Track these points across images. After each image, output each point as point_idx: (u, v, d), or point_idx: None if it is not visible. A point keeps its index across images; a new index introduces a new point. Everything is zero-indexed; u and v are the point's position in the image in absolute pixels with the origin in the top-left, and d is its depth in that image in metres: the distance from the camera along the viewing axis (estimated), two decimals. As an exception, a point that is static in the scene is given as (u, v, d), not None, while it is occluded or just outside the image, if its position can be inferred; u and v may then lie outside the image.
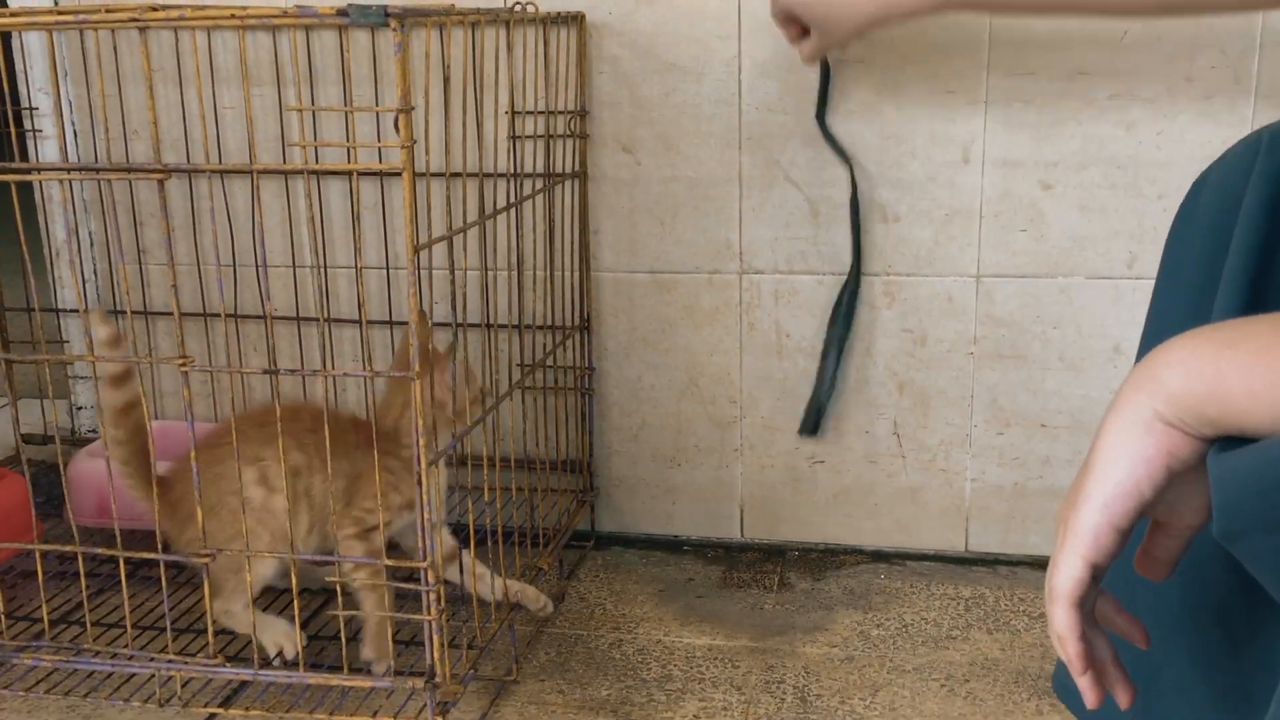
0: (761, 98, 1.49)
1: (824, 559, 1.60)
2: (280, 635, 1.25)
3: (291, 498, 1.19)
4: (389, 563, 1.13)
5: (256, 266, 1.62)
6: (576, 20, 1.48)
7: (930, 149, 1.46)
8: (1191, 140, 1.40)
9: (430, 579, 1.07)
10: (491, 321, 1.54)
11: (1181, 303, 0.75)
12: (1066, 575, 0.59)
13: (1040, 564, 1.56)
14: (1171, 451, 0.56)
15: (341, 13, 0.96)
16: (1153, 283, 0.79)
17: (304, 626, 1.25)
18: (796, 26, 1.30)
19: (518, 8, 1.34)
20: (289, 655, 1.24)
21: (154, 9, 1.00)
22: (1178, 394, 0.54)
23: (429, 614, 1.08)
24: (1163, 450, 0.56)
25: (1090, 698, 0.62)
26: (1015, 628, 1.41)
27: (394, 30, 0.96)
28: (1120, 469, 0.56)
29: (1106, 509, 0.57)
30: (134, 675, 1.23)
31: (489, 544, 1.33)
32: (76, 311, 1.75)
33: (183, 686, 1.18)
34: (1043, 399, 1.51)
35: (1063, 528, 0.59)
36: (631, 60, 1.51)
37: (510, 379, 1.47)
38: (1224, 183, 0.74)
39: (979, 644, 1.38)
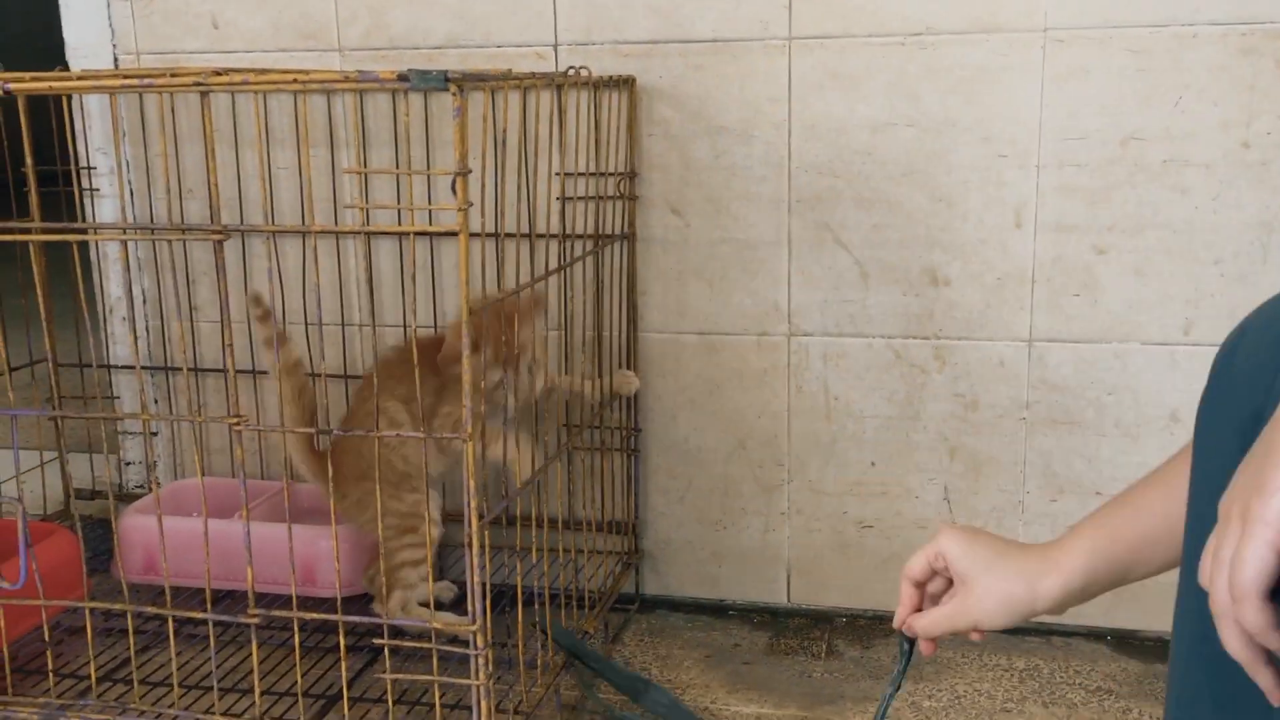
0: (811, 160, 1.49)
1: (872, 626, 1.58)
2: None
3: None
4: (438, 625, 1.12)
5: (306, 325, 1.63)
6: (628, 84, 1.50)
7: (982, 212, 1.46)
8: (1249, 206, 1.39)
9: (479, 643, 1.06)
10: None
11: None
12: (1256, 568, 0.54)
13: (1097, 635, 1.53)
14: None
15: (402, 78, 0.97)
16: (1211, 351, 0.76)
17: (349, 686, 1.24)
18: (919, 594, 0.97)
19: (570, 72, 1.35)
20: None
21: (217, 74, 1.02)
22: None
23: (477, 678, 1.07)
24: None
25: None
26: (1071, 701, 1.38)
27: (453, 94, 0.97)
28: None
29: None
30: (179, 735, 1.23)
31: (535, 605, 1.32)
32: (129, 368, 1.76)
33: (227, 748, 1.17)
34: (1098, 466, 1.49)
35: (1237, 519, 0.55)
36: (681, 123, 1.51)
37: (558, 439, 1.46)
38: (1268, 336, 0.69)
39: (1034, 718, 1.35)
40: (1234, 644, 0.57)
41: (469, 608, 1.06)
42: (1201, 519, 0.74)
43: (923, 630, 0.94)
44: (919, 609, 0.95)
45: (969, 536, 0.91)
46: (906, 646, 0.96)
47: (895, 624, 0.97)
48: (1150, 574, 0.86)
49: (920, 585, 0.95)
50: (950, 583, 0.93)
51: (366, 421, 1.32)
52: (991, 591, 0.89)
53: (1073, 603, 0.87)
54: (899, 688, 0.97)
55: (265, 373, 1.68)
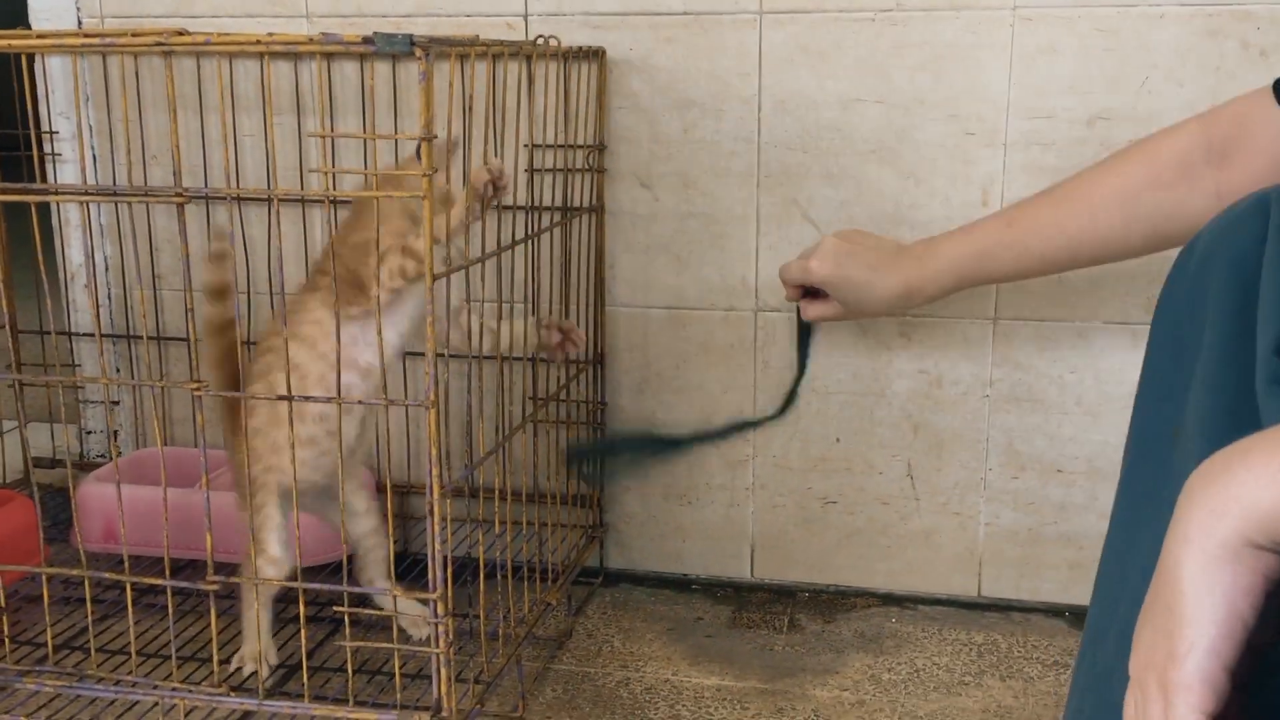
0: (781, 136, 1.49)
1: (834, 601, 1.59)
2: (249, 654, 1.26)
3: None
4: (399, 593, 1.12)
5: (271, 293, 1.62)
6: (598, 55, 1.49)
7: (949, 190, 1.46)
8: (1211, 187, 1.40)
9: (439, 610, 1.06)
10: (506, 354, 1.53)
11: (1198, 378, 0.73)
12: None
13: (1054, 611, 1.54)
14: (1267, 575, 0.52)
15: (367, 40, 0.96)
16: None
17: (309, 656, 1.23)
18: (798, 289, 1.33)
19: (540, 41, 1.34)
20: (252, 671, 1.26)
21: (180, 34, 1.00)
22: (1272, 515, 0.50)
23: (437, 646, 1.07)
24: (1259, 576, 0.52)
25: None
26: (1029, 675, 1.39)
27: (419, 59, 0.96)
28: (1219, 608, 0.52)
29: (1216, 654, 0.52)
30: (137, 703, 1.22)
31: (498, 577, 1.31)
32: (90, 335, 1.74)
33: (186, 715, 1.16)
34: (1059, 444, 1.50)
35: (1156, 689, 0.54)
36: (651, 96, 1.51)
37: (523, 412, 1.46)
38: (1226, 246, 0.71)
39: (992, 691, 1.36)
40: None
41: (430, 576, 1.06)
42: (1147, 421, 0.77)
43: (812, 317, 1.30)
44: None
45: (840, 263, 1.25)
46: (803, 327, 1.32)
47: (789, 299, 1.30)
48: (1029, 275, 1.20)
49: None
50: None
51: (255, 374, 1.24)
52: (873, 301, 1.25)
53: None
54: (805, 368, 1.32)
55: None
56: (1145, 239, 1.14)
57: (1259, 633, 0.54)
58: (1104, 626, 0.71)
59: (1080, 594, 1.53)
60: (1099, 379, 1.47)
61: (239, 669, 1.26)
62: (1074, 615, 1.53)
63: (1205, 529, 0.52)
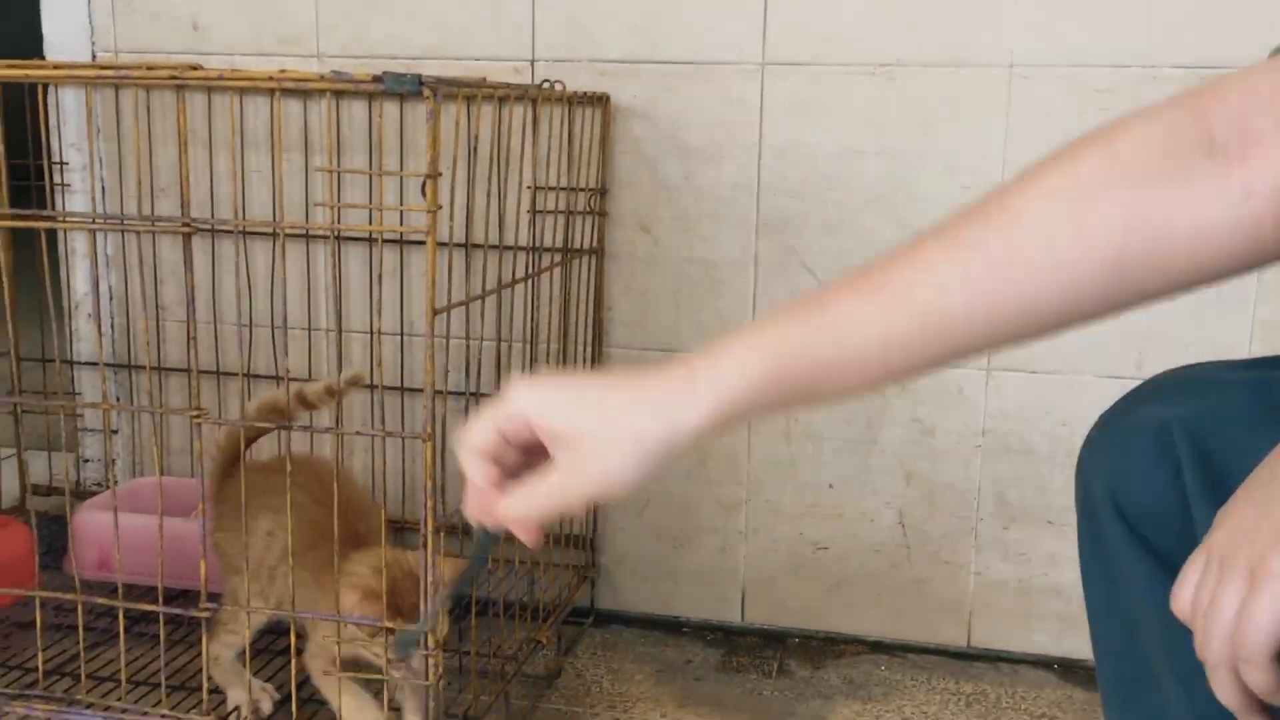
0: (780, 184, 1.51)
1: (824, 647, 1.59)
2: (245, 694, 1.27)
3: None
4: (388, 624, 1.12)
5: (273, 327, 1.64)
6: (601, 101, 1.52)
7: (944, 242, 1.48)
8: (1203, 245, 1.42)
9: (430, 643, 1.07)
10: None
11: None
12: (1269, 630, 0.49)
13: (1044, 663, 1.54)
14: None
15: (377, 79, 0.99)
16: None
17: (299, 688, 1.24)
18: (497, 472, 0.66)
19: (545, 86, 1.37)
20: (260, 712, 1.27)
21: (193, 68, 1.03)
22: None
23: (427, 679, 1.07)
24: None
25: None
26: (1016, 726, 1.39)
27: (427, 99, 0.99)
28: None
29: None
30: (124, 730, 1.22)
31: (489, 614, 1.32)
32: (92, 364, 1.76)
33: (172, 744, 1.16)
34: (1050, 495, 1.51)
35: (1244, 569, 0.51)
36: (654, 142, 1.53)
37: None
38: (1131, 493, 0.70)
39: (979, 740, 1.36)
40: (1229, 696, 0.53)
41: (422, 609, 1.07)
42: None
43: (521, 515, 0.64)
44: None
45: (550, 385, 0.64)
46: (485, 538, 0.67)
47: (471, 511, 0.66)
48: (837, 395, 0.64)
49: (497, 461, 0.65)
50: (525, 455, 0.65)
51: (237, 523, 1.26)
52: (614, 441, 0.62)
53: (725, 429, 0.64)
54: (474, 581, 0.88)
55: (228, 373, 1.68)
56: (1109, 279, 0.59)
57: None
58: None
59: (1070, 646, 1.53)
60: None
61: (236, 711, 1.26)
62: (1063, 667, 1.53)
63: None
